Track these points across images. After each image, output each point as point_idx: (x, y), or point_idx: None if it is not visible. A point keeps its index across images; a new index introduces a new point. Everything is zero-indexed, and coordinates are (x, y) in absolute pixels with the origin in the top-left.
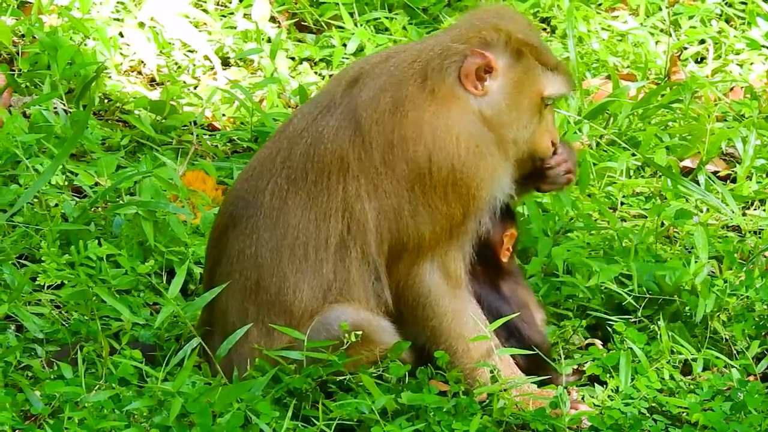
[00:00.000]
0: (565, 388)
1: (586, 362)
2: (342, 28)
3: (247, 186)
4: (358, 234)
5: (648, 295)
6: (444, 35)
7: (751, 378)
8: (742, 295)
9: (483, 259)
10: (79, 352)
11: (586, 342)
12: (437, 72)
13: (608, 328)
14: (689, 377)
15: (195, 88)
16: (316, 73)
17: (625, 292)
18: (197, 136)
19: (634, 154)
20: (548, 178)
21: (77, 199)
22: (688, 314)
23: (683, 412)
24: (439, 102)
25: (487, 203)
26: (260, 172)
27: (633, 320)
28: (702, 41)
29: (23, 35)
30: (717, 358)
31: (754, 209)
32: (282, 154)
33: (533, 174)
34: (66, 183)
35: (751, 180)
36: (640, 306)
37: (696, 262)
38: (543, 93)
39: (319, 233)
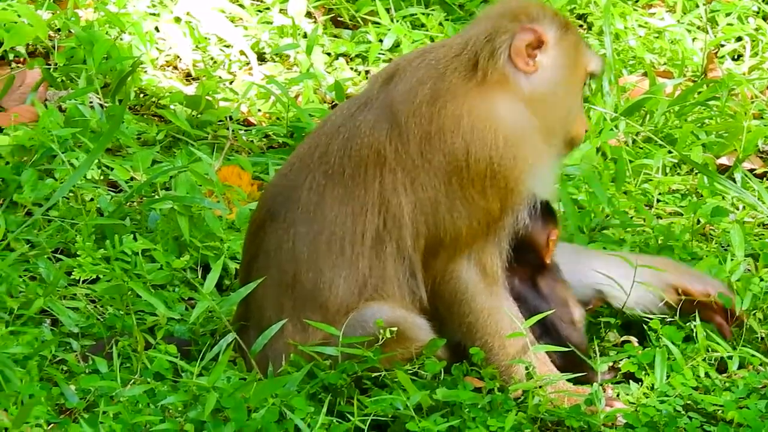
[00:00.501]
0: (601, 385)
1: (621, 360)
2: (378, 23)
3: (285, 181)
4: (394, 229)
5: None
6: (487, 21)
7: None
8: None
9: (522, 257)
10: (114, 346)
11: (622, 339)
12: (489, 57)
13: (643, 326)
14: (725, 375)
15: (231, 83)
16: (351, 68)
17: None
18: (233, 131)
19: (670, 152)
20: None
21: (113, 194)
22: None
23: (718, 410)
24: (485, 90)
25: (525, 198)
26: (298, 167)
27: (668, 318)
28: (739, 38)
29: (59, 29)
30: (753, 356)
31: None
32: (320, 150)
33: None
34: (101, 177)
35: None
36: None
37: (732, 260)
38: (588, 68)
39: (356, 228)
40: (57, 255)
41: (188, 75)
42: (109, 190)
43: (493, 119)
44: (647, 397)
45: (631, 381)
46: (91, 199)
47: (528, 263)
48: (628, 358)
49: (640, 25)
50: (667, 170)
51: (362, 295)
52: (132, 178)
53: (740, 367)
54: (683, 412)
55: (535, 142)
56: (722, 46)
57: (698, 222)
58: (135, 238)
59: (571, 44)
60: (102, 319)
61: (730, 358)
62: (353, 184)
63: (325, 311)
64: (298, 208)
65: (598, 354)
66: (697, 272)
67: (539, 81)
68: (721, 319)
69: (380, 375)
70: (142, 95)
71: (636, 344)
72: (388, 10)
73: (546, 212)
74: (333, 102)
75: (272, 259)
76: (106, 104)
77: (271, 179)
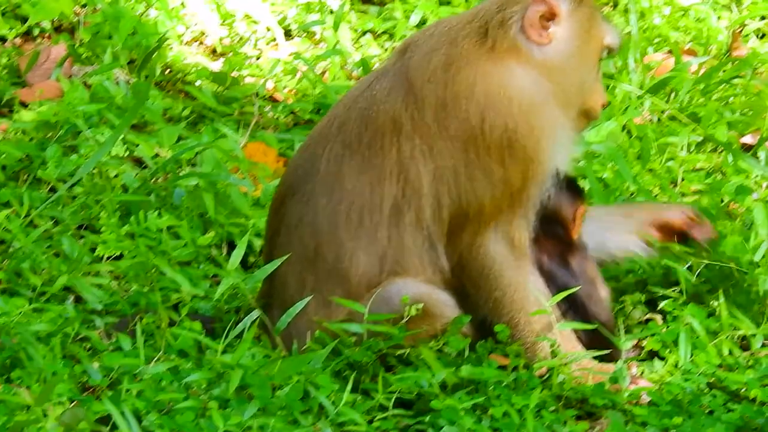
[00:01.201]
0: (625, 363)
1: (645, 337)
2: (405, 0)
3: (306, 155)
4: (413, 198)
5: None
6: None
7: None
8: None
9: (552, 235)
10: (138, 323)
11: (646, 317)
12: (499, 26)
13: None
14: (748, 353)
15: (257, 59)
16: (378, 45)
17: (684, 268)
18: (259, 107)
19: (694, 130)
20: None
21: (138, 170)
22: (747, 290)
23: (742, 388)
24: (497, 57)
25: (548, 167)
26: (317, 140)
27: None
28: (763, 17)
29: (85, 5)
30: None
31: None
32: (338, 120)
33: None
34: (126, 154)
35: None
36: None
37: (755, 238)
38: (603, 41)
39: (374, 197)
40: (81, 231)
41: (214, 51)
42: (134, 166)
43: (507, 86)
44: (671, 375)
45: (655, 359)
46: (116, 176)
47: (556, 239)
48: (652, 336)
49: (665, 3)
50: (692, 148)
51: (383, 267)
52: (157, 155)
53: (763, 345)
54: (707, 390)
55: (551, 110)
56: (746, 24)
57: (722, 200)
58: (160, 215)
59: (585, 16)
60: (126, 296)
61: (754, 336)
62: (371, 152)
63: (348, 285)
64: (317, 180)
65: (622, 332)
66: (667, 205)
67: (553, 52)
68: (698, 236)
69: (405, 352)
70: (167, 71)
71: (660, 322)
72: None
73: (572, 188)
74: (359, 78)
75: (293, 233)
76: (131, 80)
77: (294, 154)
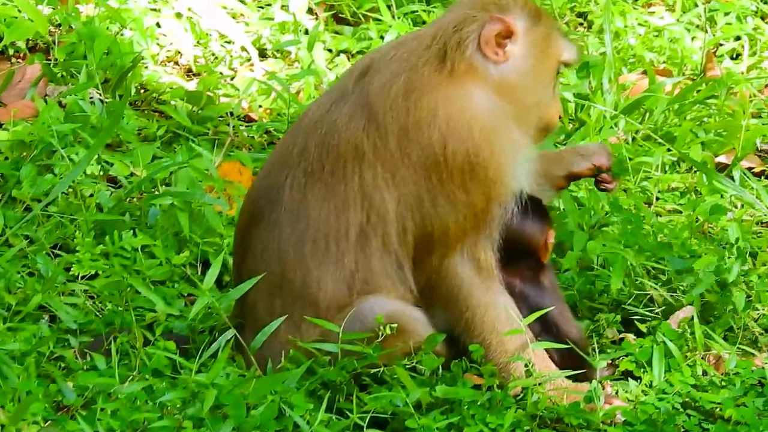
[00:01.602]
0: (600, 382)
1: (620, 357)
2: (380, 20)
3: (267, 183)
4: (379, 224)
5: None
6: (457, 11)
7: None
8: None
9: (524, 261)
10: (112, 342)
11: (620, 336)
12: (456, 47)
13: (641, 324)
14: (722, 372)
15: (232, 79)
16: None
17: (658, 286)
18: (234, 127)
19: (669, 150)
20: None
21: (112, 190)
22: (721, 309)
23: (716, 408)
24: (456, 81)
25: (510, 187)
26: (278, 167)
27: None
28: (737, 38)
29: (59, 25)
30: (750, 353)
31: None
32: (298, 147)
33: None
34: (101, 173)
35: None
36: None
37: (730, 258)
38: (560, 57)
39: (339, 224)
40: (56, 251)
41: (189, 71)
42: (108, 185)
43: (468, 111)
44: (646, 395)
45: (629, 378)
46: (91, 195)
47: (528, 265)
48: (626, 356)
49: (639, 24)
50: (667, 168)
51: (352, 290)
52: (132, 174)
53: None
54: (681, 410)
55: (510, 131)
56: (721, 45)
57: (697, 220)
58: (135, 234)
59: (541, 34)
60: (100, 316)
61: (728, 355)
62: (333, 180)
63: (316, 308)
64: (281, 209)
65: (597, 351)
66: (577, 149)
67: (509, 70)
68: (606, 178)
69: (379, 371)
70: (142, 91)
71: (633, 341)
72: (389, 7)
73: (540, 212)
74: (316, 99)
75: (260, 261)
76: (106, 100)
77: (253, 181)
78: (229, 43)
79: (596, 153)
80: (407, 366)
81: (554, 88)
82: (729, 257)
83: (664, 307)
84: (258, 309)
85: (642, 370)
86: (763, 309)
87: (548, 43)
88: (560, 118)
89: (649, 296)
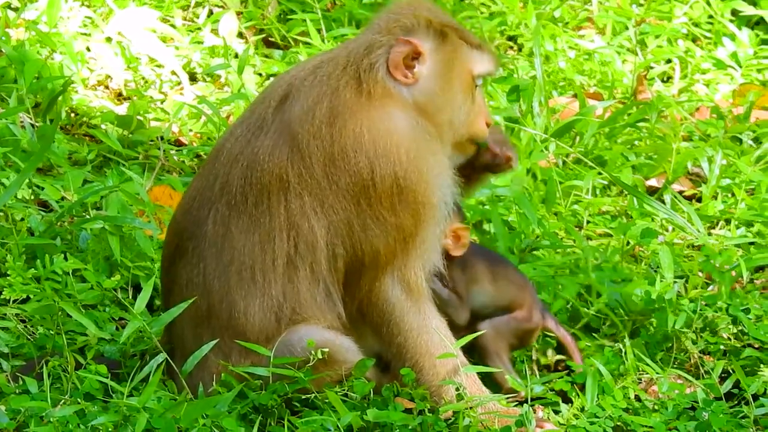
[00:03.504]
0: (531, 406)
1: (552, 380)
2: (309, 44)
3: (189, 217)
4: (307, 252)
5: (614, 313)
6: (367, 33)
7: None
8: (705, 314)
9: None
10: (44, 366)
11: (556, 359)
12: (368, 71)
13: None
14: (654, 396)
15: (162, 103)
16: None
17: (590, 310)
18: (164, 151)
19: (600, 173)
20: (494, 166)
21: (43, 214)
22: (653, 333)
23: (648, 431)
24: (375, 105)
25: (438, 207)
26: (200, 202)
27: (597, 338)
28: (668, 60)
29: None
30: (682, 377)
31: (720, 229)
32: (220, 181)
33: (479, 166)
34: (32, 197)
35: (716, 200)
36: (605, 324)
37: (662, 281)
38: (473, 72)
39: (265, 255)
40: None
41: (120, 95)
42: (40, 209)
43: (393, 134)
44: (577, 419)
45: (561, 402)
46: (22, 219)
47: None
48: (561, 378)
49: (570, 47)
50: (597, 191)
51: (280, 321)
52: (63, 198)
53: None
54: None
55: (435, 150)
56: (652, 68)
57: (628, 243)
58: (66, 258)
59: (449, 51)
60: (32, 339)
61: (660, 378)
62: (258, 212)
63: (245, 339)
64: (205, 243)
65: (528, 374)
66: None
67: (421, 91)
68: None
69: (310, 396)
70: (73, 115)
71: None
72: (319, 31)
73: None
74: (232, 124)
75: (186, 294)
76: (37, 124)
77: (174, 215)
78: (159, 67)
79: (498, 143)
80: (338, 392)
81: (474, 101)
82: (661, 280)
83: (598, 332)
84: (186, 339)
85: (575, 393)
86: (697, 332)
87: (458, 59)
88: (488, 124)
89: (581, 320)
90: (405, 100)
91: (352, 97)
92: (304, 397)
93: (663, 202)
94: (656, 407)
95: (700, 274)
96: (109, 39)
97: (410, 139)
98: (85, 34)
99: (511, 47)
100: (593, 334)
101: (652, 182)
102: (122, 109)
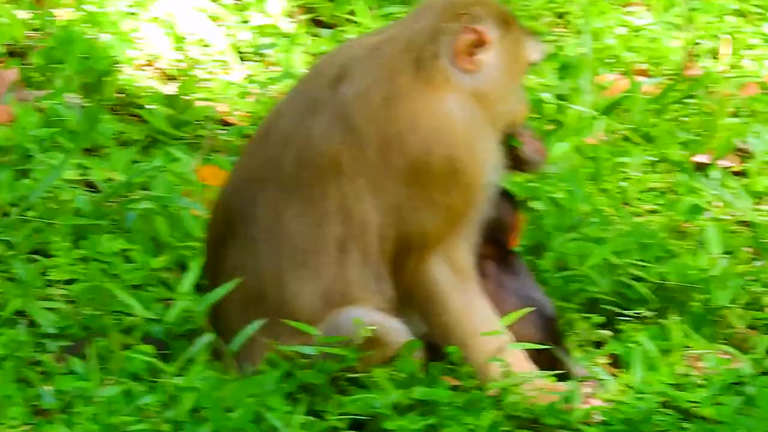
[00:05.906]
0: (578, 382)
1: (598, 356)
2: (358, 22)
3: (241, 197)
4: (359, 235)
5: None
6: (429, 16)
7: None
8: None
9: (494, 240)
10: (91, 347)
11: (600, 336)
12: (432, 57)
13: (615, 324)
14: (701, 371)
15: (210, 82)
16: None
17: (637, 285)
18: (212, 131)
19: (647, 150)
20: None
21: (90, 194)
22: (699, 308)
23: (694, 407)
24: (433, 90)
25: (486, 189)
26: (252, 183)
27: (643, 314)
28: (716, 37)
29: (36, 29)
30: (728, 353)
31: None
32: (271, 162)
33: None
34: (79, 177)
35: (763, 175)
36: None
37: (709, 256)
38: (529, 59)
39: (317, 239)
40: (33, 256)
41: (167, 75)
42: (86, 190)
43: (449, 118)
44: (624, 395)
45: (609, 378)
46: (69, 200)
47: (497, 245)
48: (607, 356)
49: (618, 24)
50: (645, 168)
51: (330, 304)
52: (110, 179)
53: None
54: (660, 409)
55: (487, 134)
56: (699, 44)
57: (675, 219)
58: (112, 239)
59: (512, 40)
60: (79, 320)
61: (707, 353)
62: (311, 195)
63: (294, 320)
64: (256, 225)
65: (575, 351)
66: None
67: (483, 78)
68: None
69: (358, 376)
70: (120, 95)
71: (611, 339)
72: (369, 10)
73: (508, 197)
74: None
75: (235, 276)
76: (83, 104)
77: (221, 194)
78: (207, 46)
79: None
80: (385, 371)
81: (522, 88)
82: (708, 256)
83: (644, 308)
84: (233, 322)
85: (621, 369)
86: (744, 307)
87: (519, 48)
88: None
89: (628, 296)
90: (464, 87)
91: (411, 81)
92: (350, 376)
93: (710, 178)
94: (703, 382)
95: (748, 249)
96: (157, 19)
97: (465, 125)
98: (133, 13)
99: (559, 24)
100: (638, 311)
101: (700, 158)
102: (170, 89)
